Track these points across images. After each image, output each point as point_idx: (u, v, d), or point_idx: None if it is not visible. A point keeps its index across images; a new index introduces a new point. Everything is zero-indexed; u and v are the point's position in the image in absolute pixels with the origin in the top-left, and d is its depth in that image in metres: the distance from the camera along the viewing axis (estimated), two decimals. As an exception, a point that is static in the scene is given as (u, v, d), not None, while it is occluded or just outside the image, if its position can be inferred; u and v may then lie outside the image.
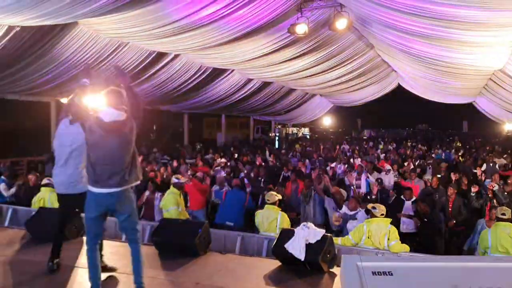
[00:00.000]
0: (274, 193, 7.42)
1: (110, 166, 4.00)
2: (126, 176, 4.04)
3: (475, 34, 9.07)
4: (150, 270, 5.04)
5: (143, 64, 13.74)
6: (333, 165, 14.47)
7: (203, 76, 16.46)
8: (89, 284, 4.18)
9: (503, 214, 6.41)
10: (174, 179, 8.23)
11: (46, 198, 7.56)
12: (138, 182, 4.24)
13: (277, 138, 33.70)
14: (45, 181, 7.96)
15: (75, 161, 4.83)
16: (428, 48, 11.62)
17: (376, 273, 1.25)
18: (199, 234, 5.51)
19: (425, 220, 8.22)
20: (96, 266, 4.19)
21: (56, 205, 7.31)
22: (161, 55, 13.94)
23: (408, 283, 1.21)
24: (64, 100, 15.28)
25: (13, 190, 9.59)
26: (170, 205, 7.78)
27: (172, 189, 8.03)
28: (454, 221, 8.76)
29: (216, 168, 13.28)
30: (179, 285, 4.58)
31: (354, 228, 6.90)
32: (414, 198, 9.09)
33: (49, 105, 16.22)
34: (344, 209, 7.98)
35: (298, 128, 41.45)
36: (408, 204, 8.94)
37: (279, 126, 37.59)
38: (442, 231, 8.40)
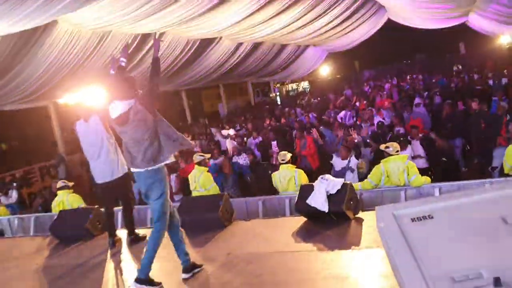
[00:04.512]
0: (285, 152, 7.38)
1: (136, 148, 4.12)
2: (148, 157, 4.10)
3: None
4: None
5: (130, 50, 13.51)
6: (341, 115, 14.11)
7: (192, 50, 16.21)
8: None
9: None
10: (198, 157, 7.66)
11: (64, 200, 7.59)
12: (166, 161, 4.24)
13: (278, 97, 33.47)
14: (60, 184, 7.97)
15: (106, 152, 5.48)
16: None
17: (416, 219, 1.15)
18: (220, 207, 5.53)
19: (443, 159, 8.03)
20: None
21: (75, 205, 7.39)
22: (146, 37, 13.68)
23: (452, 223, 1.11)
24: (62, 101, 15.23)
25: (14, 195, 9.77)
26: (209, 183, 7.37)
27: (199, 168, 7.48)
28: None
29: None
30: (211, 258, 4.61)
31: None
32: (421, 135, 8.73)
33: (48, 108, 16.15)
34: (336, 160, 8.04)
35: (297, 84, 41.05)
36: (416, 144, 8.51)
37: (278, 85, 37.24)
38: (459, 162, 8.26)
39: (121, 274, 4.83)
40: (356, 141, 9.13)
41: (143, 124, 4.06)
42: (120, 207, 6.07)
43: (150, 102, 4.13)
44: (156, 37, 4.32)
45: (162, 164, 4.17)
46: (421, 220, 1.15)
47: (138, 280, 4.02)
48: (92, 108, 5.72)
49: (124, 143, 4.25)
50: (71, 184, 7.91)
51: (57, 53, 11.63)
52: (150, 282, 4.03)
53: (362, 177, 7.48)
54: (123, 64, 4.54)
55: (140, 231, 5.84)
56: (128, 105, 4.05)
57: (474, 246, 1.06)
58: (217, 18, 13.44)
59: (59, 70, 12.49)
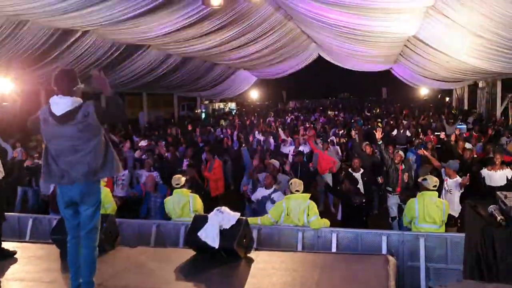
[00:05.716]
0: (179, 176, 7.00)
1: (74, 157, 3.56)
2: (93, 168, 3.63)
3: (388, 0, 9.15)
4: (50, 273, 4.58)
5: (47, 45, 12.58)
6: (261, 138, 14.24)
7: (116, 54, 15.46)
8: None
9: (435, 186, 6.35)
10: None
11: None
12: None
13: (203, 114, 33.09)
14: None
15: None
16: (344, 17, 11.61)
17: None
18: (103, 228, 5.04)
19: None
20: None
21: None
22: (67, 33, 12.82)
23: None
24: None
25: None
26: (108, 201, 6.52)
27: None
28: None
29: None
30: None
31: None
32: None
33: None
34: (261, 190, 7.62)
35: (225, 103, 40.98)
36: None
37: (206, 102, 36.91)
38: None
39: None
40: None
41: (91, 130, 3.58)
42: None
43: (112, 116, 3.83)
44: (100, 74, 3.80)
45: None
46: None
47: None
48: None
49: (50, 151, 3.63)
50: None
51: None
52: None
53: None
54: None
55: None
56: (76, 103, 3.59)
57: None
58: (146, 25, 12.95)
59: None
